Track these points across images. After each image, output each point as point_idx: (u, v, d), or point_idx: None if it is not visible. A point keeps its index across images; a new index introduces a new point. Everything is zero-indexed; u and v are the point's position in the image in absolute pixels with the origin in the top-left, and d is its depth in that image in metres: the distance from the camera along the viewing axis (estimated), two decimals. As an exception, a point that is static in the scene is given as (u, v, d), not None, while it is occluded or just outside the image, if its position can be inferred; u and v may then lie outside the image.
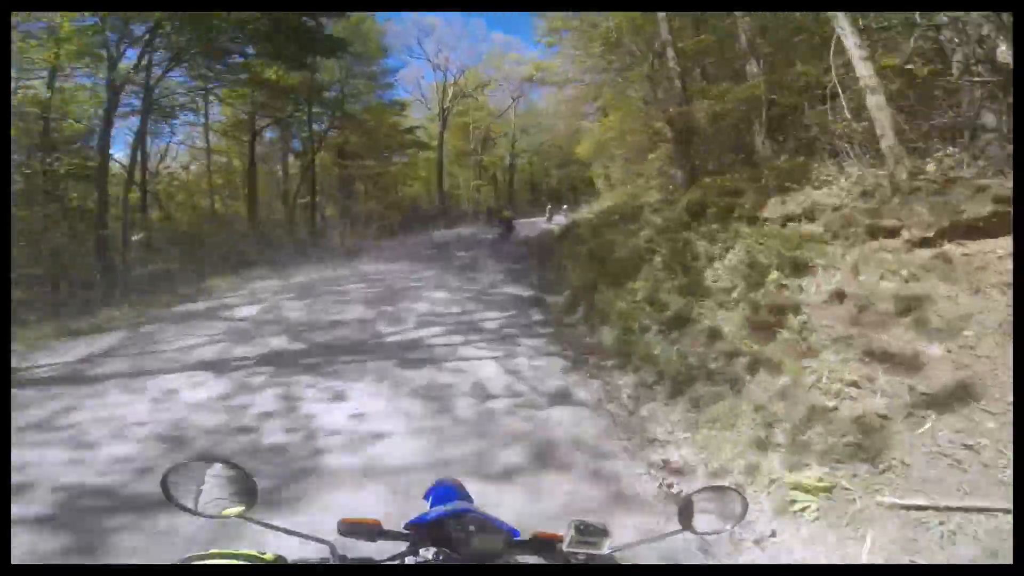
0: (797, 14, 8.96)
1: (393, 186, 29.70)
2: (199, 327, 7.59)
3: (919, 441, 3.49)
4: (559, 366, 5.59)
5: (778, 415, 4.16)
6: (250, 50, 17.94)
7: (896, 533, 2.92)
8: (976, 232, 4.70)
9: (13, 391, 4.93)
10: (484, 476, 3.41)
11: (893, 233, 5.19)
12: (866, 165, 6.46)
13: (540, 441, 3.95)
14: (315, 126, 22.63)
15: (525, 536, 1.09)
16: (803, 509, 3.36)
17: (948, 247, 4.72)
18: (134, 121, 17.83)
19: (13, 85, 11.48)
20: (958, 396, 3.53)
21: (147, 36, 14.79)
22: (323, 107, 22.24)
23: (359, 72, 24.49)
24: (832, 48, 6.35)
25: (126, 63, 14.78)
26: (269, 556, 0.90)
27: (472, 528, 1.02)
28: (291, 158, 24.44)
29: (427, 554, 1.01)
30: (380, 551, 1.05)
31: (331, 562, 0.96)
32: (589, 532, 0.99)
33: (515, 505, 3.02)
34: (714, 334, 5.53)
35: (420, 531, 1.06)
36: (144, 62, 15.18)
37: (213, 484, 1.00)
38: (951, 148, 5.73)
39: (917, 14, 6.15)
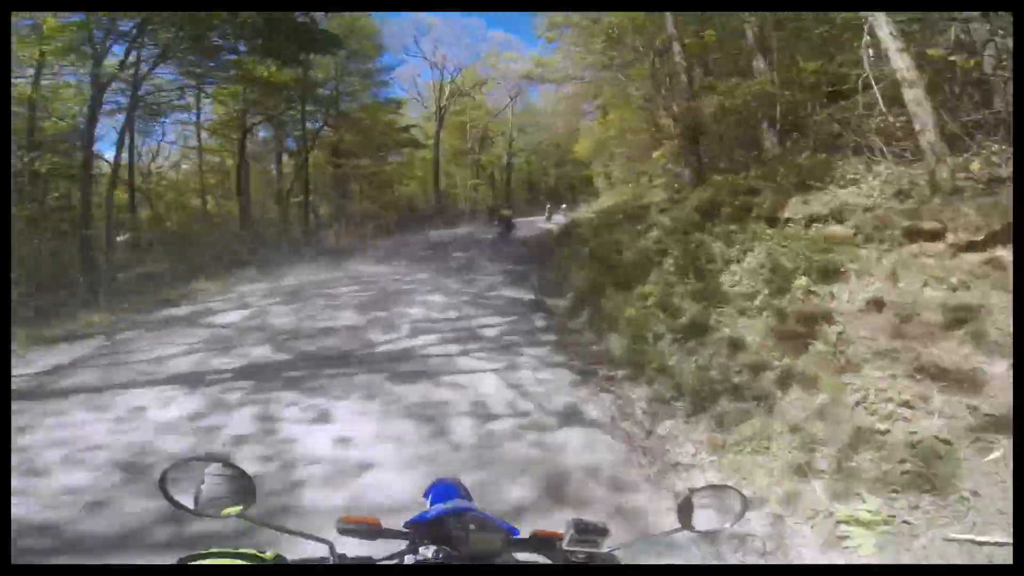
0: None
1: (389, 185, 29.14)
2: (179, 335, 7.08)
3: (991, 469, 3.04)
4: (566, 379, 5.11)
5: (818, 437, 3.73)
6: (241, 47, 17.40)
7: (972, 572, 2.48)
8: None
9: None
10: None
11: (935, 236, 4.73)
12: (895, 163, 6.01)
13: (551, 471, 3.46)
14: (309, 124, 22.06)
15: (524, 535, 1.08)
16: (858, 545, 2.92)
17: (1001, 252, 4.26)
18: (123, 119, 17.66)
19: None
20: (1030, 418, 3.07)
21: (134, 32, 14.29)
22: (317, 105, 21.69)
23: (354, 70, 23.94)
24: (865, 39, 5.87)
25: (114, 60, 14.43)
26: (269, 555, 0.89)
27: (472, 526, 1.00)
28: (285, 157, 23.87)
29: (427, 553, 0.99)
30: (379, 550, 1.03)
31: (330, 561, 0.95)
32: (588, 530, 0.98)
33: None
34: (736, 344, 5.07)
35: (420, 530, 1.05)
36: (131, 59, 14.71)
37: (212, 483, 0.98)
38: (993, 144, 5.26)
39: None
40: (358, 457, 3.54)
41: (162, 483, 0.96)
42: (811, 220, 5.82)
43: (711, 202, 7.71)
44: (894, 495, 3.09)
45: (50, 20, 12.50)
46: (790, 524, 3.15)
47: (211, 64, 17.32)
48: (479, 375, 5.02)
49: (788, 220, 6.07)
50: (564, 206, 23.45)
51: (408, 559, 1.01)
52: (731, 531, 2.35)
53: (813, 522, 3.14)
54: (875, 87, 6.02)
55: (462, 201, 33.49)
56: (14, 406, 4.74)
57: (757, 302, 5.26)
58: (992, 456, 3.08)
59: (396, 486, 3.16)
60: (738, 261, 6.16)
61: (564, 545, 1.00)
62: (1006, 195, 4.46)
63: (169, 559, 0.86)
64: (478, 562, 0.98)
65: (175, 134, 22.27)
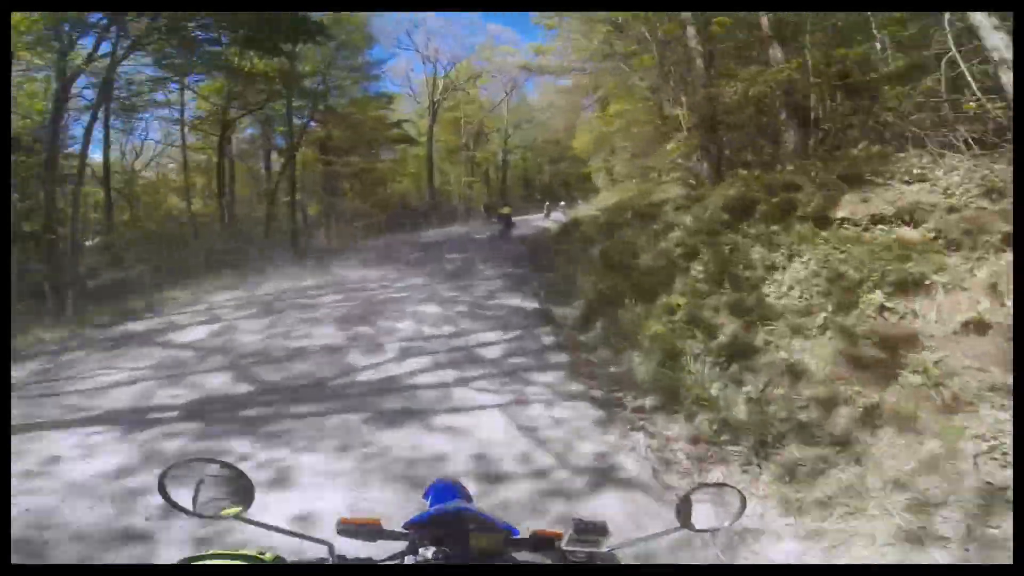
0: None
1: (381, 183, 28.14)
2: (131, 355, 6.13)
3: None
4: (588, 416, 4.17)
5: (933, 496, 2.85)
6: (222, 37, 16.36)
7: None
8: None
9: None
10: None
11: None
12: (969, 156, 5.10)
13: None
14: (295, 120, 21.01)
15: (524, 534, 1.06)
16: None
17: None
18: (96, 115, 16.64)
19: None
20: None
21: (104, 22, 13.26)
22: (304, 99, 20.64)
23: (343, 63, 22.86)
24: (947, 15, 4.94)
25: (85, 53, 13.45)
26: (268, 556, 0.87)
27: (471, 527, 0.98)
28: (274, 155, 22.78)
29: (426, 553, 0.96)
30: (379, 551, 1.01)
31: (330, 562, 0.94)
32: (588, 530, 0.96)
33: None
34: (795, 371, 4.16)
35: (419, 530, 1.02)
36: (101, 51, 13.69)
37: (210, 484, 0.98)
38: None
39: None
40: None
41: (161, 484, 0.95)
42: (874, 221, 4.90)
43: (740, 199, 6.79)
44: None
45: (16, 13, 11.50)
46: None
47: (191, 56, 16.35)
48: (481, 414, 4.06)
49: (842, 220, 5.15)
50: (563, 204, 22.71)
51: (408, 559, 0.98)
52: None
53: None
54: (966, 71, 5.07)
55: (456, 199, 32.53)
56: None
57: (819, 320, 4.33)
58: None
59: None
60: (783, 268, 5.25)
61: (564, 545, 0.98)
62: None
63: None
64: (478, 562, 0.96)
65: (160, 132, 21.39)
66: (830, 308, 4.35)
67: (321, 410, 4.15)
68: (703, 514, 1.07)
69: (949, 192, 4.66)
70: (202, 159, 21.50)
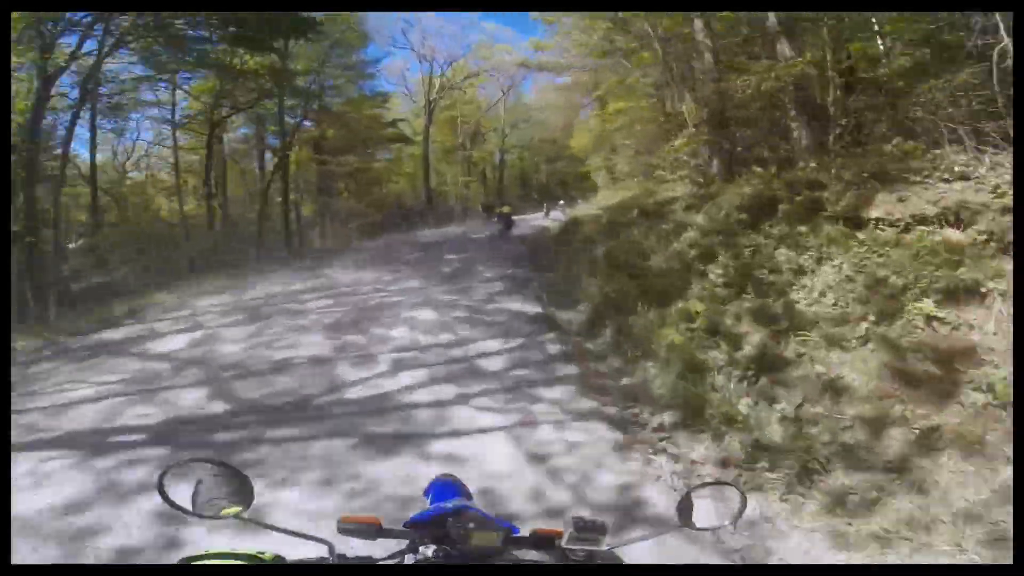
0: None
1: (377, 183, 27.70)
2: (103, 367, 5.66)
3: None
4: (604, 438, 3.73)
5: (1009, 529, 2.47)
6: (209, 33, 15.85)
7: None
8: None
9: None
10: None
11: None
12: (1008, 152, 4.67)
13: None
14: (288, 119, 20.53)
15: (524, 533, 1.04)
16: None
17: None
18: (87, 115, 16.18)
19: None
20: None
21: (87, 20, 12.78)
22: (296, 98, 20.15)
23: (337, 62, 22.39)
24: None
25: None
26: (268, 556, 0.87)
27: (471, 525, 0.95)
28: (269, 155, 22.26)
29: (427, 552, 0.97)
30: (379, 550, 0.99)
31: (330, 561, 0.93)
32: (588, 528, 0.95)
33: None
34: (835, 387, 3.73)
35: (420, 529, 1.00)
36: (85, 49, 13.24)
37: (210, 484, 0.97)
38: None
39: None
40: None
41: (160, 484, 0.94)
42: (915, 222, 4.47)
43: (758, 197, 6.37)
44: None
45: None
46: None
47: (179, 54, 15.85)
48: (484, 438, 3.60)
49: (877, 221, 4.72)
50: (562, 203, 22.33)
51: (408, 558, 0.97)
52: None
53: None
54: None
55: (453, 199, 32.11)
56: None
57: (860, 331, 3.90)
58: None
59: None
60: (812, 272, 4.82)
61: (564, 543, 0.96)
62: None
63: None
64: (478, 561, 0.94)
65: (152, 132, 20.97)
66: (872, 317, 3.90)
67: (303, 434, 3.68)
68: (704, 512, 1.06)
69: (999, 191, 4.23)
70: (195, 159, 21.03)
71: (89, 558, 2.70)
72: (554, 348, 5.71)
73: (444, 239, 16.64)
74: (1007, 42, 4.52)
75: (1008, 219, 3.88)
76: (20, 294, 10.52)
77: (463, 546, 0.94)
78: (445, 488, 1.41)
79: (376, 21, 24.40)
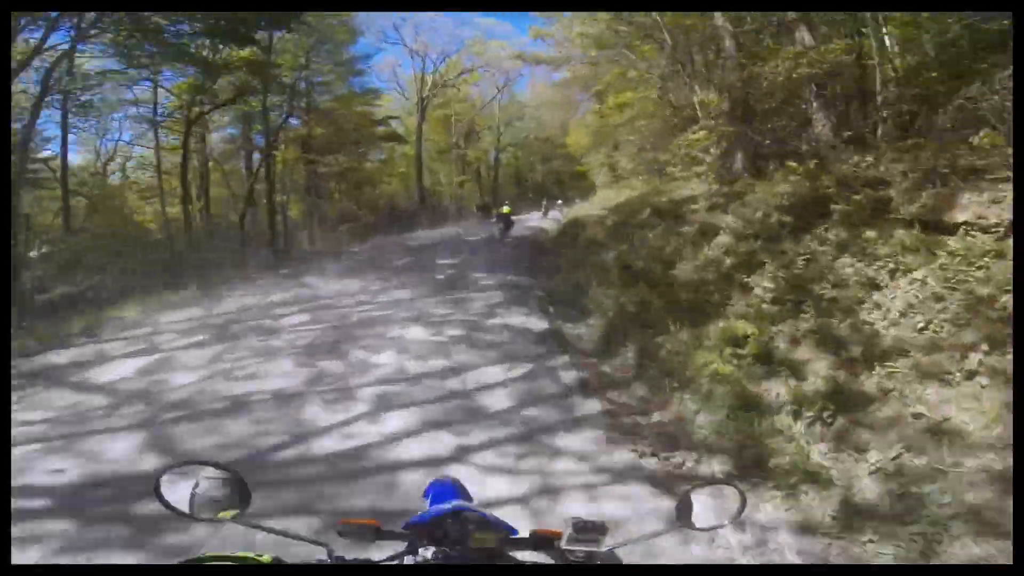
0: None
1: (368, 183, 26.72)
2: (32, 401, 4.74)
3: None
4: (651, 508, 2.85)
5: None
6: (184, 26, 14.86)
7: None
8: None
9: None
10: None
11: None
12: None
13: None
14: (273, 116, 19.56)
15: (524, 533, 1.01)
16: None
17: None
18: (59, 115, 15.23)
19: None
20: None
21: (52, 14, 11.80)
22: (280, 94, 19.20)
23: (325, 58, 21.46)
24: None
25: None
26: (266, 558, 0.84)
27: (471, 526, 0.94)
28: (256, 155, 21.24)
29: (426, 553, 0.93)
30: (378, 552, 0.96)
31: (328, 563, 0.90)
32: (588, 529, 0.92)
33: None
34: (940, 431, 2.88)
35: (419, 530, 0.98)
36: (50, 43, 12.26)
37: (207, 487, 0.94)
38: None
39: None
40: None
41: (157, 487, 0.92)
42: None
43: (799, 196, 5.51)
44: None
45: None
46: None
47: (154, 48, 14.88)
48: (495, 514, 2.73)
49: (968, 226, 3.86)
50: (560, 202, 21.62)
51: (407, 560, 0.95)
52: None
53: None
54: None
55: (447, 199, 31.23)
56: None
57: (969, 362, 3.04)
58: None
59: None
60: (885, 286, 3.96)
61: (563, 544, 0.93)
62: None
63: None
64: (477, 562, 0.92)
65: (133, 133, 20.01)
66: (985, 347, 3.04)
67: (251, 512, 2.79)
68: (703, 512, 1.01)
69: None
70: (178, 161, 20.04)
71: None
72: (568, 376, 4.82)
73: (438, 242, 15.75)
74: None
75: None
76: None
77: (462, 547, 0.92)
78: (444, 489, 1.34)
79: (366, 15, 23.41)
